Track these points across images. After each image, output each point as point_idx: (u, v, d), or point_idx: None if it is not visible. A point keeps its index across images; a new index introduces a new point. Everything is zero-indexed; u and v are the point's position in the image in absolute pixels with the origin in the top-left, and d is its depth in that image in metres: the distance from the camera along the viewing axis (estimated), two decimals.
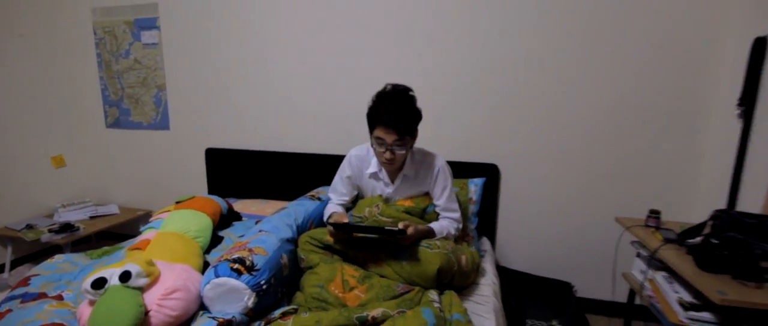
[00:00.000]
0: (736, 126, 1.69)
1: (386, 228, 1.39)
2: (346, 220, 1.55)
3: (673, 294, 1.35)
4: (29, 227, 2.45)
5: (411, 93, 1.53)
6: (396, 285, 1.40)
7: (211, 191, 2.70)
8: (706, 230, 1.40)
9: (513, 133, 2.16)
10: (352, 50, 2.29)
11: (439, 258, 1.41)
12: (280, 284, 1.37)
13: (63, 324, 1.16)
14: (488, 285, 1.61)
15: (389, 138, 1.48)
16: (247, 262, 1.28)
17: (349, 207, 1.79)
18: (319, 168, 2.37)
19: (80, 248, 2.33)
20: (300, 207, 1.77)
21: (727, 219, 1.32)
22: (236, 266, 1.25)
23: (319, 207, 1.83)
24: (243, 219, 2.08)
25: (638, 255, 1.67)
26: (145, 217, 2.82)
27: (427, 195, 1.71)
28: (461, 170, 2.05)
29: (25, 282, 1.40)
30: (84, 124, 2.91)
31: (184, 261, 1.38)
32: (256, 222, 1.83)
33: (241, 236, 1.69)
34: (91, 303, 1.13)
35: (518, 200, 2.23)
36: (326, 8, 2.28)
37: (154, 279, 1.21)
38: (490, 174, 2.17)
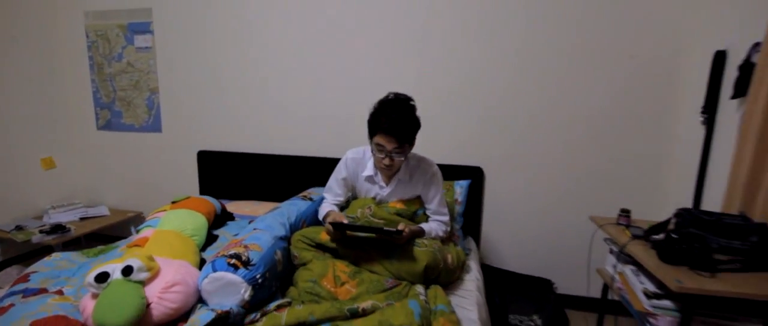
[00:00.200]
0: (700, 132, 1.83)
1: (385, 228, 1.46)
2: (344, 220, 1.60)
3: (639, 285, 1.47)
4: (19, 228, 2.45)
5: (412, 102, 1.58)
6: (385, 280, 1.48)
7: (203, 193, 2.73)
8: (671, 227, 1.52)
9: (497, 139, 2.27)
10: (342, 55, 2.36)
11: (426, 255, 1.50)
12: (274, 278, 1.43)
13: (67, 316, 1.20)
14: (472, 281, 1.69)
15: (389, 145, 1.53)
16: (243, 257, 1.33)
17: (343, 207, 1.85)
18: (310, 171, 2.43)
19: (70, 250, 2.33)
20: (293, 207, 1.82)
21: (689, 216, 1.44)
22: (233, 261, 1.31)
23: (311, 207, 1.88)
24: (236, 219, 2.13)
25: (610, 251, 1.78)
26: (135, 219, 2.83)
27: (418, 198, 1.77)
28: (447, 172, 2.14)
29: (25, 278, 1.43)
30: (75, 125, 2.92)
31: (183, 257, 1.44)
32: (250, 222, 1.88)
33: (236, 234, 1.74)
34: (94, 296, 1.18)
35: (501, 201, 2.34)
36: (317, 14, 2.35)
37: (154, 273, 1.26)
38: (475, 176, 2.27)
